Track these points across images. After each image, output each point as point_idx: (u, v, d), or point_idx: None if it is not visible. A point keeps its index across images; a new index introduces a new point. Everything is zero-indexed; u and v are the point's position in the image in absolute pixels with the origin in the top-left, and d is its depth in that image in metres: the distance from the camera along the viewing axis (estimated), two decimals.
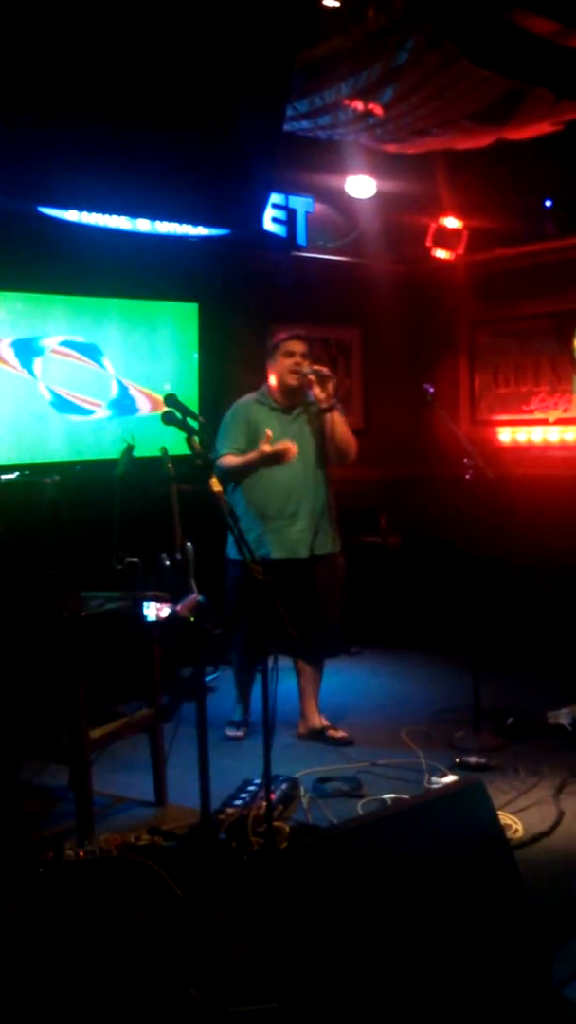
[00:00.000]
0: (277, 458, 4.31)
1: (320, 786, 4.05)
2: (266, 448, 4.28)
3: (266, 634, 3.99)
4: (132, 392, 5.99)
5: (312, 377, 4.39)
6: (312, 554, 4.51)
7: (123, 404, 5.94)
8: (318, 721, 4.73)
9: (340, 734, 4.67)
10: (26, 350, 5.48)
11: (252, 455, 4.36)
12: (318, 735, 4.68)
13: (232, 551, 4.50)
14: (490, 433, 7.07)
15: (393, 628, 6.46)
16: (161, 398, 3.04)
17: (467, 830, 2.89)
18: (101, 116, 4.52)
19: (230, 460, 4.43)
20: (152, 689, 4.01)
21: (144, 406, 6.01)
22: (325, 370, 4.41)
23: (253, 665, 4.69)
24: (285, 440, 4.36)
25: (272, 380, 4.55)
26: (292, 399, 4.52)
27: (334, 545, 4.61)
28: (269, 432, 4.32)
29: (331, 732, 4.68)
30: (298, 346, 4.47)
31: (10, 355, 5.40)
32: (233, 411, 4.58)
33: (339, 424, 4.45)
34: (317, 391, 4.39)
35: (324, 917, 2.57)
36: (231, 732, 4.71)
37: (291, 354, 4.45)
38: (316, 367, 4.42)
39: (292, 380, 4.44)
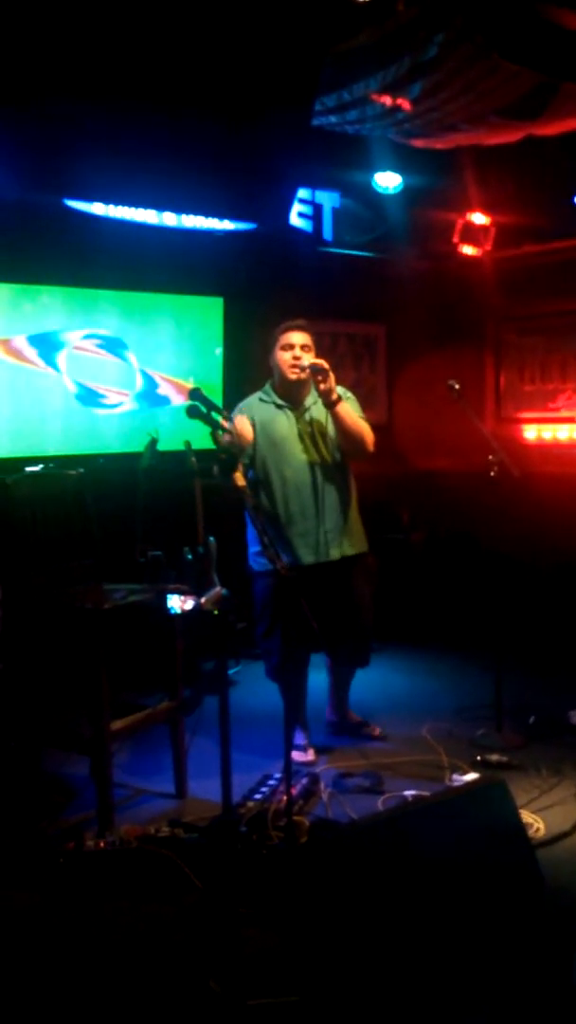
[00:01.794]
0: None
1: (341, 781, 4.05)
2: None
3: (298, 638, 3.97)
4: (162, 384, 6.00)
5: (309, 372, 4.11)
6: (343, 556, 4.30)
7: (152, 396, 5.96)
8: (351, 717, 4.71)
9: (375, 732, 4.64)
10: (48, 344, 5.50)
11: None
12: (352, 730, 4.66)
13: (256, 563, 4.29)
14: (515, 430, 7.04)
15: (415, 625, 6.45)
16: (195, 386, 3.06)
17: (488, 828, 2.87)
18: (129, 110, 4.54)
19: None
20: (174, 682, 4.02)
21: (176, 398, 6.01)
22: (322, 363, 4.07)
23: (300, 678, 4.42)
24: (289, 438, 4.17)
25: (274, 375, 4.31)
26: (296, 394, 4.26)
27: (363, 545, 4.41)
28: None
29: (365, 729, 4.66)
30: (298, 337, 4.18)
31: (30, 350, 5.42)
32: (235, 413, 4.28)
33: (346, 417, 4.17)
34: (319, 387, 4.11)
35: (344, 912, 2.57)
36: (300, 757, 4.32)
37: (289, 347, 4.18)
38: (312, 361, 4.09)
39: (291, 375, 4.17)
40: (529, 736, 4.57)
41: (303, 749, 4.40)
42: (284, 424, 4.25)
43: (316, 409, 4.29)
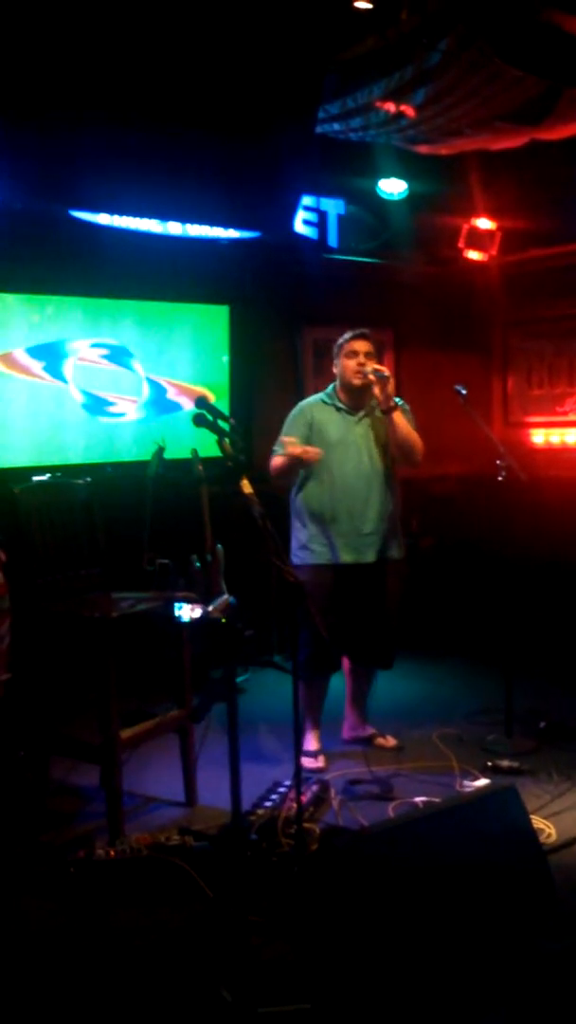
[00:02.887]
0: (302, 461, 4.25)
1: (351, 788, 4.04)
2: (294, 451, 4.24)
3: (314, 642, 3.98)
4: (170, 390, 6.01)
5: (372, 377, 4.29)
6: (380, 559, 4.40)
7: (162, 402, 5.97)
8: (365, 729, 4.70)
9: (390, 743, 4.62)
10: (54, 355, 5.52)
11: (283, 458, 4.32)
12: (365, 742, 4.63)
13: (295, 557, 4.39)
14: (523, 435, 7.03)
15: (425, 630, 6.43)
16: (203, 393, 3.06)
17: (499, 834, 2.86)
18: (133, 120, 4.56)
19: (274, 462, 4.37)
20: (183, 690, 4.02)
21: (188, 404, 6.03)
22: (384, 370, 4.30)
23: (324, 680, 4.48)
24: (345, 440, 4.33)
25: (337, 381, 4.49)
26: (358, 400, 4.42)
27: (401, 551, 4.52)
28: (293, 438, 4.29)
29: (380, 740, 4.64)
30: (361, 345, 4.38)
31: (36, 363, 5.44)
32: (295, 411, 4.50)
33: (401, 424, 4.35)
34: (377, 392, 4.30)
35: (354, 919, 2.56)
36: (310, 763, 4.34)
37: (354, 354, 4.36)
38: (375, 367, 4.31)
39: (356, 381, 4.34)
40: (540, 741, 4.55)
41: (313, 756, 4.40)
42: (341, 427, 4.40)
43: (374, 416, 4.45)
